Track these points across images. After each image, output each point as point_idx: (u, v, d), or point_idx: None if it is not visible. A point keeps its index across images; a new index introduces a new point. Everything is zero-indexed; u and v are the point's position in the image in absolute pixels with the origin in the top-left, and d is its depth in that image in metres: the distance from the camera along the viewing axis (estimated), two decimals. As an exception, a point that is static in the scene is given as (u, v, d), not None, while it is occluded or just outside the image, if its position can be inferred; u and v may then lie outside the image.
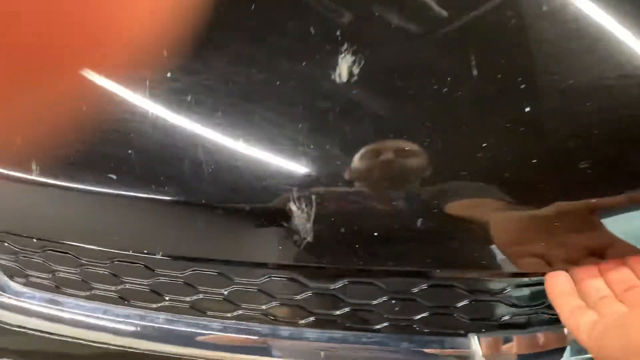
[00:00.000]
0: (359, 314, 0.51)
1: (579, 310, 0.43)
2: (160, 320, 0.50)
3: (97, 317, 0.50)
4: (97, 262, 0.48)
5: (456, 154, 0.41)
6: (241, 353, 0.50)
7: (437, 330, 0.52)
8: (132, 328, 0.50)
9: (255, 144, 0.42)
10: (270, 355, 0.51)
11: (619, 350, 0.38)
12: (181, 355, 0.50)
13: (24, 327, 0.50)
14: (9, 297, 0.50)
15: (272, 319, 0.51)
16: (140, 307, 0.50)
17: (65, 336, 0.50)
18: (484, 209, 0.42)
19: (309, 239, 0.43)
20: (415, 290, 0.49)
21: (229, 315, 0.50)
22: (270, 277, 0.48)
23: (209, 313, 0.50)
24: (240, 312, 0.51)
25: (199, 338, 0.50)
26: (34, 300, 0.50)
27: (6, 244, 0.49)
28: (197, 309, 0.50)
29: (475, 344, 0.51)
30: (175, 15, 0.35)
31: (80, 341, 0.50)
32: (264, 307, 0.50)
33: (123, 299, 0.50)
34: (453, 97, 0.42)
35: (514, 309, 0.51)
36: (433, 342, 0.53)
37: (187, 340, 0.50)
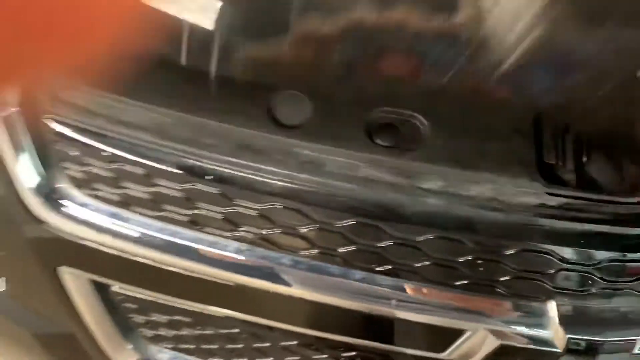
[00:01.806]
0: (439, 269, 0.48)
1: None
2: (230, 249, 0.47)
3: (163, 238, 0.47)
4: (170, 185, 0.45)
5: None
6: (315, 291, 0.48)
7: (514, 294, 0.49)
8: (199, 253, 0.47)
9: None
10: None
11: None
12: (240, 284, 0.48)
13: (86, 239, 0.47)
14: (74, 207, 0.47)
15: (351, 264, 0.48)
16: (212, 233, 0.47)
17: (125, 252, 0.47)
18: None
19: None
20: (506, 252, 0.46)
21: (303, 252, 0.47)
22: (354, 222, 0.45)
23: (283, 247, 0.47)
24: (316, 251, 0.48)
25: (272, 271, 0.47)
26: (98, 213, 0.47)
27: (76, 154, 0.45)
28: (271, 242, 0.47)
29: (553, 311, 0.49)
30: None
31: (140, 259, 0.48)
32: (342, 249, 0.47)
33: (194, 223, 0.47)
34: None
35: (601, 282, 0.48)
36: (507, 305, 0.50)
37: (258, 272, 0.48)
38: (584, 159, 0.47)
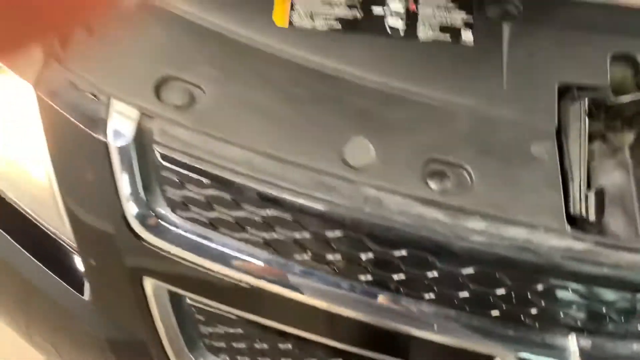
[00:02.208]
0: (478, 300, 0.55)
1: None
2: (296, 271, 0.55)
3: (237, 257, 0.55)
4: (255, 211, 0.53)
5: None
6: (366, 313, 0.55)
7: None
8: (270, 274, 0.55)
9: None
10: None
11: None
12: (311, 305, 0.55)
13: (175, 255, 0.54)
14: (169, 227, 0.54)
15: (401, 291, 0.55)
16: (284, 256, 0.54)
17: (209, 270, 0.55)
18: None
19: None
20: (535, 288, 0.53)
21: (361, 278, 0.55)
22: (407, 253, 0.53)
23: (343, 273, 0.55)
24: (369, 277, 0.55)
25: (332, 293, 0.54)
26: (187, 233, 0.55)
27: (175, 180, 0.54)
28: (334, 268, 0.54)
29: (574, 345, 0.55)
30: None
31: (222, 276, 0.55)
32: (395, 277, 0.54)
33: (268, 245, 0.54)
34: None
35: (616, 321, 0.55)
36: (528, 336, 0.56)
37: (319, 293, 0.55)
38: (604, 212, 0.55)
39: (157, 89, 0.53)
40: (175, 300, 0.59)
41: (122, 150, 0.53)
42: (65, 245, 0.62)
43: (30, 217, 0.63)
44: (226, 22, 0.57)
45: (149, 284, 0.57)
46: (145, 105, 0.53)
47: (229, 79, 0.55)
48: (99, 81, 0.53)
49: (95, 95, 0.54)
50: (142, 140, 0.53)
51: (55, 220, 0.60)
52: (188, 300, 0.59)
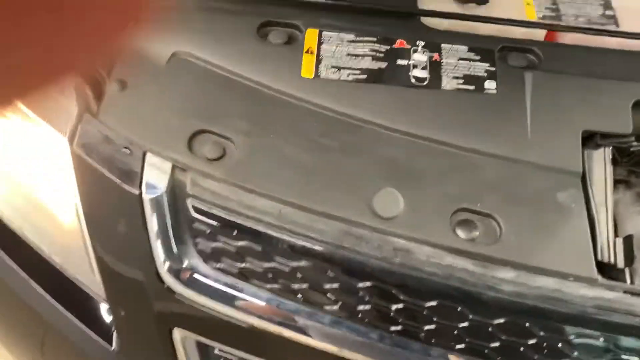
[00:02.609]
0: (509, 350, 0.54)
1: None
2: (326, 322, 0.55)
3: (268, 308, 0.55)
4: (285, 262, 0.53)
5: None
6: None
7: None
8: (299, 324, 0.55)
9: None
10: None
11: None
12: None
13: (206, 307, 0.55)
14: (201, 279, 0.55)
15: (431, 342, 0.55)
16: (312, 305, 0.54)
17: (240, 320, 0.55)
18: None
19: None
20: (566, 338, 0.53)
21: (391, 329, 0.55)
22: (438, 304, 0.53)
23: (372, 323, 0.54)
24: (399, 327, 0.55)
25: (360, 344, 0.54)
26: (218, 284, 0.55)
27: (206, 232, 0.54)
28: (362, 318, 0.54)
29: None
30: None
31: (251, 326, 0.55)
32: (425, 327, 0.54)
33: (298, 295, 0.54)
34: None
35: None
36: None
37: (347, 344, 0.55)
38: (634, 259, 0.55)
39: (190, 142, 0.54)
40: (203, 351, 0.59)
41: (155, 202, 0.53)
42: (93, 295, 0.62)
43: (57, 267, 0.64)
44: (255, 75, 0.58)
45: (177, 334, 0.57)
46: (178, 159, 0.54)
47: (259, 131, 0.56)
48: (132, 135, 0.54)
49: (128, 149, 0.55)
50: (174, 192, 0.54)
51: (84, 271, 0.60)
52: (216, 351, 0.59)
